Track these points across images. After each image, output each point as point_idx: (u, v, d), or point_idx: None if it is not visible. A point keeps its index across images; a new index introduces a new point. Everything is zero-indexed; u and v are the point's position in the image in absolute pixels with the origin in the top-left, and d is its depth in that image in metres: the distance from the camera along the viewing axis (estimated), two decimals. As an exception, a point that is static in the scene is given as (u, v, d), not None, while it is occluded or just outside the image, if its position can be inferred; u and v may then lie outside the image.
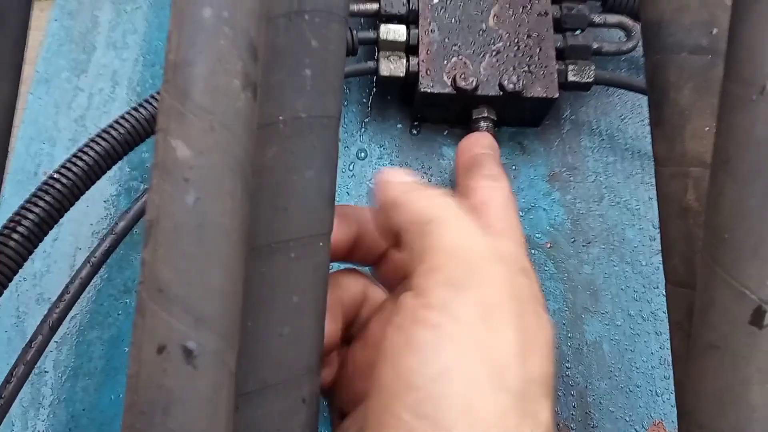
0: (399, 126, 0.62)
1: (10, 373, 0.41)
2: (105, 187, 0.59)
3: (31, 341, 0.42)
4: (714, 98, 0.35)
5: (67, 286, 0.45)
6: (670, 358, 0.54)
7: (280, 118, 0.35)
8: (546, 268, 0.57)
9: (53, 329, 0.43)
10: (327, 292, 0.36)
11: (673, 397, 0.53)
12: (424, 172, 0.60)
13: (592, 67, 0.56)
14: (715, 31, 0.36)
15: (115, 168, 0.55)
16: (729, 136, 0.27)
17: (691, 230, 0.34)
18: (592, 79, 0.56)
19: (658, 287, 0.57)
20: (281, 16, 0.38)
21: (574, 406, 0.53)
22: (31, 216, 0.45)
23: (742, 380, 0.25)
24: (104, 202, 0.59)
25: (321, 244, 0.36)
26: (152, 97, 0.53)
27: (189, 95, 0.26)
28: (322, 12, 0.38)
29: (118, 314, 0.55)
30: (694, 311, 0.28)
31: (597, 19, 0.59)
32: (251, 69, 0.28)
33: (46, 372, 0.52)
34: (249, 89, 0.27)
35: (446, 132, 0.62)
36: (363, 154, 0.61)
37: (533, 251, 0.58)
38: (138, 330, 0.25)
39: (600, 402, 0.53)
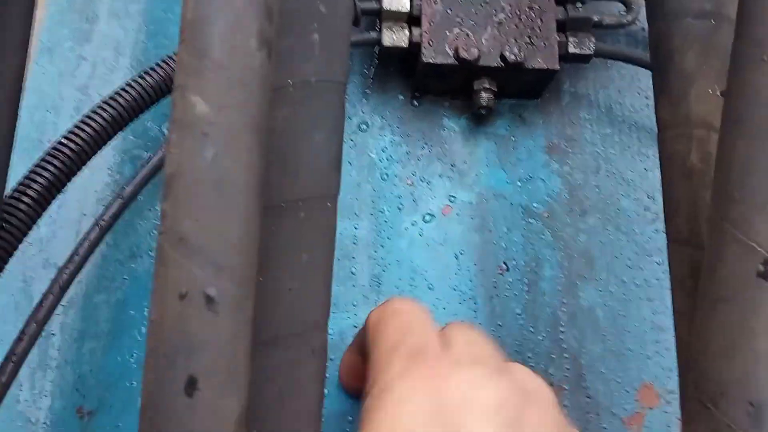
0: (400, 97, 0.63)
1: (22, 332, 0.42)
2: (109, 155, 0.60)
3: (42, 300, 0.43)
4: (718, 62, 0.36)
5: (76, 248, 0.46)
6: (660, 323, 0.56)
7: (290, 81, 0.36)
8: (543, 237, 0.59)
9: (63, 289, 0.44)
10: (333, 253, 0.37)
11: (663, 359, 0.55)
12: (425, 143, 0.61)
13: (593, 40, 0.57)
14: None
15: (119, 137, 0.56)
16: (740, 96, 0.28)
17: (695, 190, 0.35)
18: (592, 51, 0.57)
19: (651, 255, 0.58)
20: (290, -19, 0.38)
21: (567, 368, 0.54)
22: (40, 180, 0.46)
23: (750, 331, 0.26)
24: (108, 169, 0.59)
25: (329, 205, 0.37)
26: (157, 64, 0.53)
27: (207, 53, 0.27)
28: (329, -22, 0.39)
29: (124, 279, 0.56)
30: (703, 268, 0.29)
31: (597, -8, 0.60)
32: (267, 29, 0.29)
33: (53, 335, 0.53)
34: (265, 49, 0.28)
35: (447, 104, 0.63)
36: (364, 125, 0.62)
37: (531, 220, 0.59)
38: (160, 278, 0.26)
39: (593, 365, 0.55)
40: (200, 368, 0.25)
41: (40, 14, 0.68)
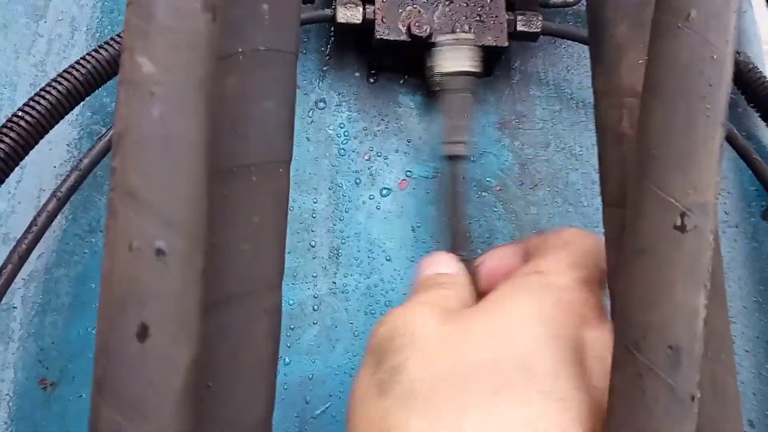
0: (357, 74, 0.64)
1: (-19, 301, 0.43)
2: (67, 130, 0.60)
3: (0, 270, 0.44)
4: (647, 34, 0.38)
5: (34, 219, 0.46)
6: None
7: (239, 49, 0.37)
8: (495, 209, 0.61)
9: (22, 259, 0.44)
10: (286, 217, 0.38)
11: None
12: (381, 119, 0.63)
13: (540, 18, 0.59)
14: None
15: (76, 112, 0.56)
16: (657, 62, 0.31)
17: (625, 155, 0.37)
18: (539, 30, 0.59)
19: (598, 226, 0.61)
20: (239, -48, 0.39)
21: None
22: (-5, 152, 0.46)
23: (669, 280, 0.28)
24: (67, 145, 0.60)
25: (281, 170, 0.38)
26: (112, 39, 0.53)
27: (153, 15, 0.28)
28: (279, -51, 0.40)
29: (84, 253, 0.56)
30: (626, 224, 0.31)
31: (546, -28, 0.62)
32: (212, -5, 0.30)
33: (14, 308, 0.54)
34: (209, 12, 0.29)
35: (402, 81, 0.64)
36: (322, 103, 0.63)
37: (484, 194, 0.61)
38: (111, 231, 0.27)
39: (542, 330, 0.57)
40: (151, 316, 0.26)
41: (-6, -9, 0.67)
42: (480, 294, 0.39)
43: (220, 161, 0.36)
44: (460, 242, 0.50)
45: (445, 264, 0.41)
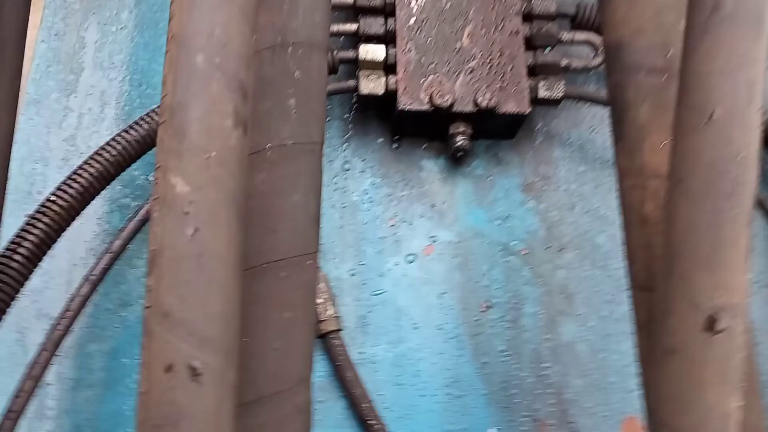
0: (380, 140, 0.65)
1: (20, 389, 0.43)
2: (98, 205, 0.61)
3: (36, 356, 0.44)
4: (670, 116, 0.38)
5: (68, 303, 0.47)
6: (639, 356, 0.58)
7: (268, 146, 0.38)
8: (522, 274, 0.60)
9: (57, 344, 0.45)
10: (315, 308, 0.39)
11: (642, 392, 0.57)
12: (405, 184, 0.63)
13: (562, 83, 0.60)
14: (670, 52, 0.39)
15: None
16: (682, 159, 0.30)
17: (650, 238, 0.37)
18: (561, 95, 0.59)
19: (628, 290, 0.60)
20: (266, 48, 0.40)
21: (552, 403, 0.56)
22: (30, 237, 0.47)
23: (699, 382, 0.28)
24: (98, 219, 0.61)
25: (309, 262, 0.38)
26: (141, 119, 0.55)
27: (186, 135, 0.29)
28: (304, 44, 0.41)
29: (116, 327, 0.57)
30: (654, 318, 0.31)
31: (566, 36, 0.62)
32: (242, 108, 0.30)
33: (49, 385, 0.54)
34: (240, 127, 0.30)
35: (425, 146, 0.65)
36: (347, 167, 0.64)
37: (510, 258, 0.61)
38: (146, 351, 0.27)
39: (576, 399, 0.56)
40: (186, 437, 0.26)
41: (27, 66, 0.69)
42: None
43: (250, 258, 0.36)
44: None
45: None
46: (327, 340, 0.56)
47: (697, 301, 0.29)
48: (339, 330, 0.57)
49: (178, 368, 0.27)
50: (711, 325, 0.28)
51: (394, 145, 0.65)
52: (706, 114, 0.30)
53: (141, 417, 0.27)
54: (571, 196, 0.63)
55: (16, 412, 0.41)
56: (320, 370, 0.57)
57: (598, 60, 0.62)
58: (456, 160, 0.63)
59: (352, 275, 0.60)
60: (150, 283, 0.28)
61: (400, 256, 0.61)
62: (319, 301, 0.56)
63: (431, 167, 0.64)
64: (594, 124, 0.66)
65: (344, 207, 0.62)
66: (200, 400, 0.27)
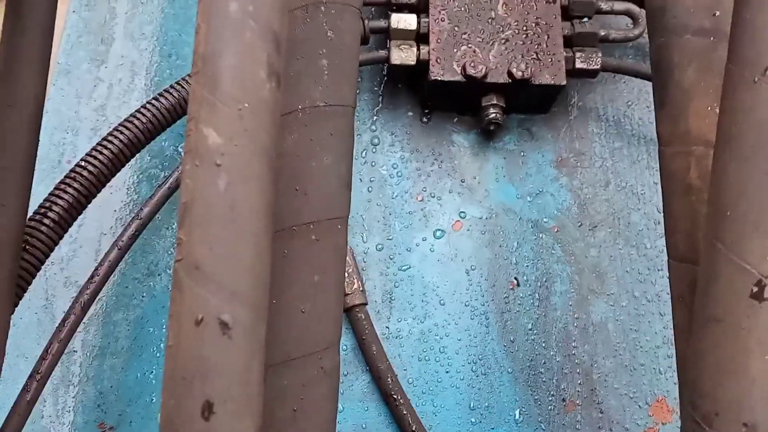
0: (410, 114, 0.64)
1: (46, 350, 0.43)
2: (127, 174, 0.61)
3: (64, 320, 0.44)
4: (716, 79, 0.37)
5: (96, 269, 0.47)
6: (672, 338, 0.56)
7: (299, 107, 0.37)
8: (553, 252, 0.59)
9: (84, 309, 0.45)
10: (344, 272, 0.38)
11: (675, 375, 0.55)
12: (434, 159, 0.62)
13: (599, 54, 0.58)
14: (717, 13, 0.37)
15: (136, 157, 0.57)
16: (732, 116, 0.29)
17: (694, 207, 0.35)
18: (599, 66, 0.58)
19: (661, 269, 0.58)
20: (299, 7, 0.40)
21: (580, 384, 0.55)
22: (60, 203, 0.47)
23: (743, 351, 0.27)
24: (126, 189, 0.61)
25: (339, 226, 0.37)
26: (171, 87, 0.54)
27: (218, 85, 0.28)
28: (337, 3, 0.40)
29: (143, 296, 0.57)
30: (697, 286, 0.29)
31: (604, 6, 0.60)
32: (275, 60, 0.30)
33: (75, 351, 0.55)
34: (273, 79, 0.29)
35: (456, 119, 0.63)
36: (375, 141, 0.63)
37: (541, 235, 0.60)
38: (176, 304, 0.27)
39: (605, 380, 0.55)
40: (216, 393, 0.26)
41: (58, 37, 0.70)
42: None
43: (280, 220, 0.35)
44: None
45: None
46: (352, 313, 0.55)
47: (745, 267, 0.27)
48: (365, 304, 0.56)
49: (208, 321, 0.26)
50: (759, 291, 0.27)
51: (425, 119, 0.63)
52: (759, 68, 0.28)
53: (169, 370, 0.26)
54: (606, 172, 0.62)
55: (42, 374, 0.41)
56: (345, 343, 0.56)
57: (638, 31, 0.60)
58: (488, 134, 0.62)
59: (379, 249, 0.59)
60: (181, 235, 0.28)
61: (428, 232, 0.60)
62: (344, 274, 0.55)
63: (462, 141, 0.63)
64: (631, 99, 0.64)
65: (372, 181, 0.61)
66: (230, 354, 0.26)
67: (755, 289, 0.27)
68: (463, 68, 0.56)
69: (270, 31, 0.29)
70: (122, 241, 0.48)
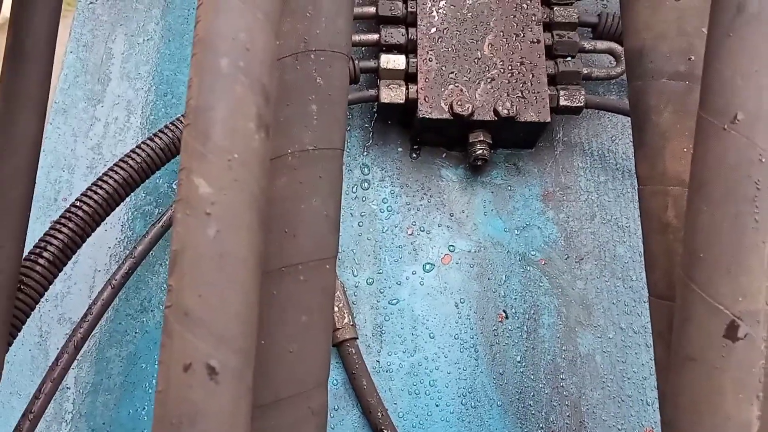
0: (399, 149, 0.65)
1: (39, 390, 0.44)
2: (122, 211, 0.62)
3: (57, 359, 0.45)
4: (692, 121, 0.38)
5: (89, 307, 0.48)
6: (660, 369, 0.57)
7: (289, 150, 0.38)
8: (541, 284, 0.60)
9: (77, 348, 0.46)
10: (333, 312, 0.39)
11: (663, 406, 0.56)
12: (424, 193, 0.63)
13: (583, 92, 0.60)
14: (692, 58, 0.39)
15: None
16: (703, 163, 0.30)
17: (671, 245, 0.37)
18: (582, 104, 0.59)
19: (647, 301, 0.59)
20: (289, 55, 0.41)
21: (568, 416, 0.55)
22: (55, 242, 0.48)
23: (717, 390, 0.27)
24: (121, 226, 0.62)
25: (327, 267, 0.38)
26: (166, 127, 0.56)
27: (209, 137, 0.29)
28: (326, 51, 0.41)
29: (135, 333, 0.57)
30: (674, 325, 0.30)
31: (587, 45, 0.62)
32: (264, 111, 0.31)
33: (68, 388, 0.55)
34: (263, 130, 0.31)
35: (444, 155, 0.65)
36: (366, 179, 0.64)
37: (529, 268, 0.61)
38: (166, 350, 0.27)
39: (593, 411, 0.55)
40: (203, 435, 0.26)
41: (55, 76, 0.71)
42: None
43: (270, 261, 0.36)
44: None
45: None
46: (342, 347, 0.56)
47: (717, 307, 0.28)
48: (355, 338, 0.57)
49: (197, 367, 0.27)
50: (731, 332, 0.28)
51: (414, 154, 0.65)
52: (728, 117, 0.29)
53: (158, 415, 0.27)
54: (591, 206, 0.63)
55: (35, 413, 0.42)
56: (335, 377, 0.57)
57: (620, 69, 0.62)
58: (475, 169, 0.63)
59: (370, 283, 0.60)
60: (171, 282, 0.29)
61: (418, 265, 0.61)
62: (334, 309, 0.56)
63: (450, 176, 0.64)
64: (615, 134, 0.66)
65: (363, 215, 0.63)
66: (217, 398, 0.27)
67: (728, 329, 0.28)
68: (451, 106, 0.58)
69: (259, 84, 0.31)
70: (115, 280, 0.49)
